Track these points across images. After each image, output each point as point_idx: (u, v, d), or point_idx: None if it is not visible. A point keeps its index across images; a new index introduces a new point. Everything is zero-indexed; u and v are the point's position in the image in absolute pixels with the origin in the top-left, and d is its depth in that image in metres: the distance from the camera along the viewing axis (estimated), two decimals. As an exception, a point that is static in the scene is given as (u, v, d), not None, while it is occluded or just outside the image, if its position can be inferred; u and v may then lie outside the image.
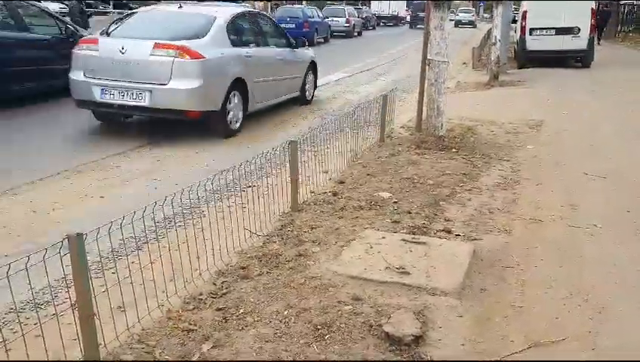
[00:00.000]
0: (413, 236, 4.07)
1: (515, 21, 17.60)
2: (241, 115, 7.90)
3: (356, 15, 35.30)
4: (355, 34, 32.50)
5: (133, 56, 7.06)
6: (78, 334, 2.62)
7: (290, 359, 2.72)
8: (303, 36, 17.49)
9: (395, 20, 52.77)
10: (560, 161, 6.41)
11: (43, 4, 12.04)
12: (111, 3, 20.63)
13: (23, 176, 5.60)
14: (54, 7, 21.39)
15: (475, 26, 49.47)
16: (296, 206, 4.73)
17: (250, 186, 5.17)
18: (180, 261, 3.50)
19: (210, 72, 7.19)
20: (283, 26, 18.90)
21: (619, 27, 31.36)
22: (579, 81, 13.38)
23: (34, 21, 9.74)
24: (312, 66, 10.55)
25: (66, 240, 2.47)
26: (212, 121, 7.44)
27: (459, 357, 2.77)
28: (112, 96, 7.13)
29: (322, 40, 25.76)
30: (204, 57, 7.10)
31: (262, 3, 38.72)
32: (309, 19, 24.88)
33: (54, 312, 2.91)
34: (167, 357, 2.74)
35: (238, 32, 8.24)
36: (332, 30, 29.05)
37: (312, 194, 5.17)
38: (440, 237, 4.14)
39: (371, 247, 3.84)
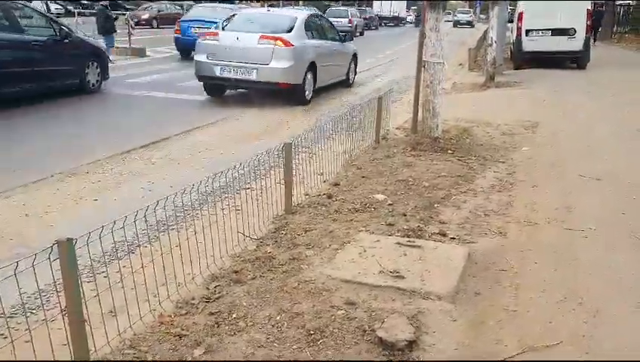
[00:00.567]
0: (407, 239, 4.05)
1: (511, 21, 17.61)
2: (311, 89, 10.61)
3: (359, 16, 37.71)
4: (358, 34, 34.01)
5: (245, 44, 9.94)
6: (68, 339, 2.60)
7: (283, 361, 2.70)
8: None
9: (395, 21, 53.83)
10: (555, 163, 6.40)
11: (40, 5, 12.00)
12: (107, 4, 20.52)
13: (16, 179, 5.58)
14: (53, 7, 21.38)
15: (473, 26, 50.33)
16: (290, 208, 4.71)
17: (244, 188, 5.14)
18: (172, 265, 3.47)
19: (297, 56, 9.96)
20: None
21: (614, 28, 31.39)
22: (575, 82, 13.38)
23: (28, 22, 9.68)
24: (354, 57, 13.19)
25: (56, 245, 2.45)
26: (296, 91, 10.14)
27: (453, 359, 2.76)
28: (228, 72, 9.98)
29: None
30: (293, 45, 9.93)
31: (259, 4, 38.74)
32: None
33: (44, 317, 2.90)
34: (158, 362, 2.72)
35: (310, 28, 11.07)
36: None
37: (307, 196, 5.15)
38: (435, 241, 4.12)
39: (365, 251, 3.82)
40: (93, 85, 10.71)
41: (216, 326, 3.02)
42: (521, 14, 15.94)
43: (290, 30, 10.25)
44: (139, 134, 7.65)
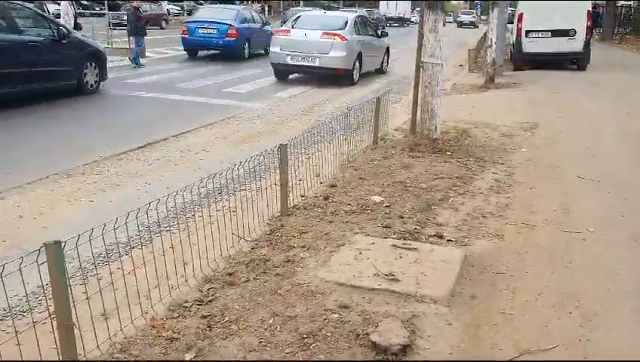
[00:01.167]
0: (403, 242, 4.01)
1: (511, 23, 17.57)
2: (358, 73, 13.56)
3: (367, 16, 38.41)
4: None
5: (311, 38, 12.88)
6: (56, 343, 2.56)
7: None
8: None
9: (400, 21, 55.11)
10: (554, 165, 6.36)
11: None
12: (106, 4, 20.50)
13: (11, 180, 5.54)
14: (54, 8, 21.35)
15: (477, 27, 51.55)
16: (285, 210, 4.67)
17: (240, 190, 5.11)
18: (165, 267, 3.44)
19: (349, 48, 12.88)
20: None
21: (615, 29, 31.34)
22: (574, 84, 13.34)
23: (26, 23, 9.63)
24: (387, 50, 16.21)
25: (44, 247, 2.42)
26: (347, 75, 13.06)
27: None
28: (297, 60, 12.94)
29: None
30: (347, 40, 12.83)
31: (259, 5, 38.81)
32: None
33: (34, 321, 2.86)
34: (148, 367, 2.68)
35: (357, 26, 13.87)
36: None
37: (303, 198, 5.12)
38: (431, 243, 4.09)
39: (361, 253, 3.79)
40: (91, 86, 10.67)
41: (208, 329, 2.98)
42: (521, 15, 15.89)
43: (343, 28, 13.18)
44: (136, 135, 7.61)
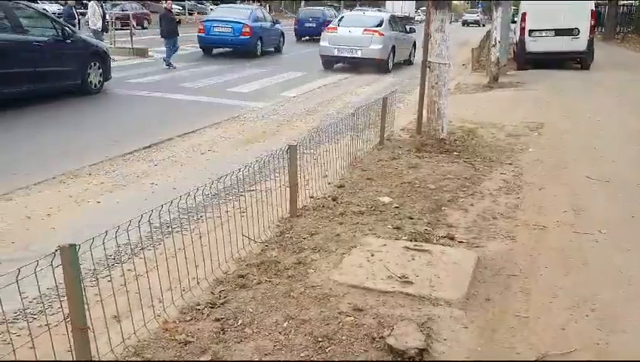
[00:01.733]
0: (415, 243, 3.98)
1: (514, 22, 17.53)
2: (392, 63, 16.25)
3: (397, 16, 41.28)
4: None
5: (355, 34, 15.64)
6: (71, 346, 2.54)
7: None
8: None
9: (405, 20, 56.49)
10: (562, 165, 6.33)
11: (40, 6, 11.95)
12: (108, 4, 20.49)
13: (18, 181, 5.52)
14: (55, 8, 21.31)
15: (483, 25, 53.52)
16: (295, 211, 4.64)
17: (248, 190, 5.08)
18: (177, 269, 3.40)
19: (385, 42, 15.62)
20: (306, 25, 28.95)
21: (617, 28, 31.27)
22: (579, 83, 13.31)
23: (30, 23, 9.62)
24: (414, 44, 18.59)
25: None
26: (383, 64, 15.69)
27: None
28: (342, 52, 15.69)
29: None
30: (383, 35, 15.64)
31: (257, 4, 38.81)
32: (328, 19, 28.29)
33: (46, 323, 2.84)
34: (163, 371, 2.66)
35: (390, 24, 16.66)
36: None
37: (312, 198, 5.09)
38: (443, 245, 4.06)
39: (372, 255, 3.76)
40: (95, 86, 10.65)
41: (222, 332, 2.96)
42: (524, 15, 15.84)
43: (380, 25, 16.01)
44: (141, 135, 7.60)
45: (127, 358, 2.75)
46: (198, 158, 6.72)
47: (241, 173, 4.16)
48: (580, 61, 16.08)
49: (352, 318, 3.06)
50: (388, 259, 3.69)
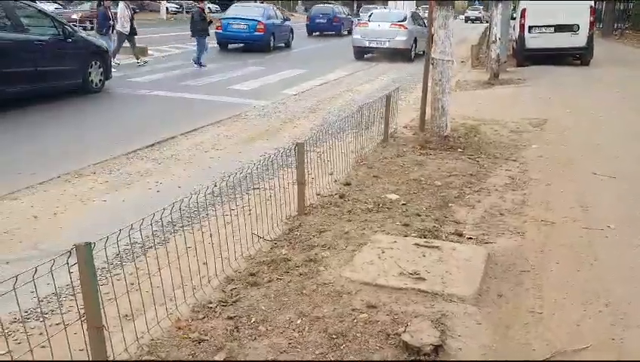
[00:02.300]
0: (425, 240, 3.97)
1: (513, 18, 17.53)
2: (414, 53, 18.69)
3: (418, 12, 43.52)
4: None
5: (383, 28, 18.31)
6: (86, 345, 2.53)
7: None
8: (332, 29, 31.00)
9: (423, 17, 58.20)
10: (567, 161, 6.32)
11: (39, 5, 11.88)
12: (204, 6, 20.54)
13: (23, 180, 5.50)
14: (53, 7, 21.11)
15: (486, 21, 53.67)
16: (303, 209, 4.63)
17: (254, 188, 5.07)
18: (189, 267, 3.40)
19: (409, 34, 18.08)
20: (317, 21, 31.18)
21: (615, 24, 31.30)
22: (579, 79, 13.30)
23: (31, 22, 9.60)
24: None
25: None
26: (407, 53, 18.23)
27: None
28: (372, 43, 18.40)
29: (346, 32, 31.01)
30: (407, 28, 18.21)
31: (256, 2, 38.90)
32: (338, 15, 31.99)
33: (58, 322, 2.83)
34: (178, 369, 2.64)
35: (412, 19, 19.27)
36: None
37: (319, 196, 5.08)
38: (452, 241, 4.05)
39: (383, 252, 3.75)
40: (96, 85, 10.63)
41: (235, 330, 2.95)
42: (523, 11, 15.83)
43: (404, 20, 18.70)
44: (144, 134, 7.58)
45: (141, 357, 2.73)
46: (201, 157, 6.70)
47: (245, 172, 4.15)
48: (579, 57, 16.08)
49: (366, 315, 3.05)
50: (399, 256, 3.68)
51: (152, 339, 2.87)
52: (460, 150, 6.64)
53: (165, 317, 3.04)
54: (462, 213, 4.71)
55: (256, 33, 19.91)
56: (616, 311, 3.14)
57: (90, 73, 10.43)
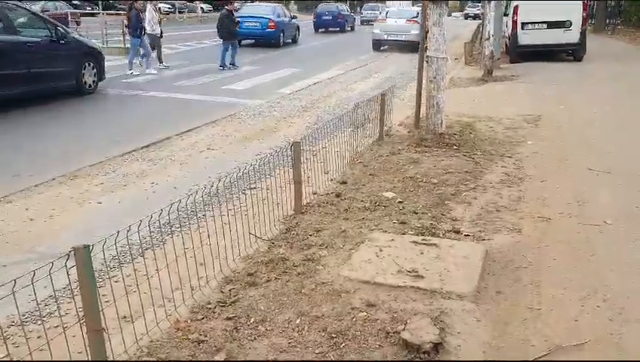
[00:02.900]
0: (423, 238, 3.98)
1: (506, 15, 17.56)
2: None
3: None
4: None
5: (399, 23, 21.38)
6: (85, 347, 2.52)
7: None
8: (337, 25, 33.54)
9: None
10: (562, 157, 6.34)
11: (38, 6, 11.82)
12: (100, 4, 20.31)
13: (17, 183, 5.48)
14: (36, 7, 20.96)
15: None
16: (299, 208, 4.62)
17: (250, 188, 5.06)
18: (187, 268, 3.39)
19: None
20: (323, 18, 33.80)
21: (607, 20, 31.40)
22: (572, 75, 13.35)
23: (23, 23, 9.56)
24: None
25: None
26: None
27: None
28: (389, 36, 21.47)
29: (349, 28, 35.06)
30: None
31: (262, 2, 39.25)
32: (342, 12, 34.76)
33: (57, 325, 2.82)
34: (178, 370, 2.64)
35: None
36: (367, 19, 40.69)
37: (315, 195, 5.07)
38: (450, 238, 4.06)
39: (381, 250, 3.75)
40: (89, 86, 10.59)
41: (235, 331, 2.94)
42: (516, 8, 15.86)
43: (417, 16, 19.33)
44: (139, 135, 7.56)
45: (141, 358, 2.73)
46: (197, 157, 6.69)
47: (242, 171, 4.14)
48: (572, 53, 16.13)
49: (365, 314, 3.06)
50: (397, 254, 3.68)
51: (152, 341, 2.86)
52: (455, 147, 6.64)
53: (164, 318, 3.03)
54: (458, 210, 4.72)
55: (268, 30, 21.88)
56: (614, 306, 3.15)
57: (83, 74, 10.39)
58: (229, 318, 3.06)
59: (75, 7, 31.64)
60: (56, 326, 2.90)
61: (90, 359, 2.51)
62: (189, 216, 4.52)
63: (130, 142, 7.15)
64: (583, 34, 15.56)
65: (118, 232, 2.66)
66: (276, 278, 3.50)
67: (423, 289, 3.27)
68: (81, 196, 5.26)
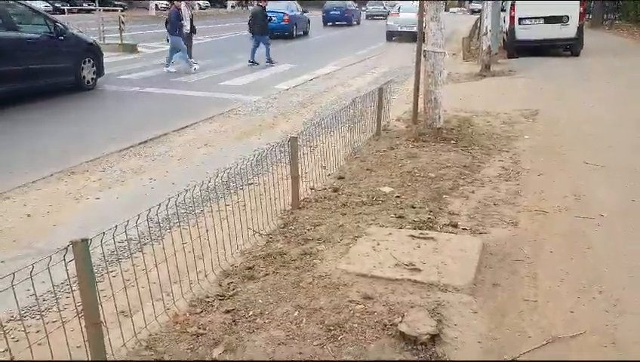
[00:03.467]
0: (420, 231, 3.99)
1: (503, 10, 17.56)
2: None
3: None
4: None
5: (410, 17, 21.61)
6: (84, 341, 2.53)
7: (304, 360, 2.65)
8: (344, 20, 35.70)
9: None
10: (559, 151, 6.36)
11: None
12: (96, 0, 20.26)
13: (15, 179, 5.48)
14: (42, 5, 20.99)
15: None
16: (297, 203, 4.64)
17: (247, 184, 5.07)
18: (185, 262, 3.39)
19: None
20: (331, 12, 35.89)
21: (605, 15, 31.42)
22: (570, 69, 13.36)
23: (22, 20, 9.58)
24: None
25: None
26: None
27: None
28: (403, 28, 23.99)
29: (356, 22, 37.42)
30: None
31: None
32: (349, 7, 36.64)
33: (55, 319, 2.83)
34: (177, 363, 2.65)
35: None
36: (372, 15, 46.54)
37: (312, 190, 5.09)
38: (447, 232, 4.07)
39: (378, 244, 3.77)
40: (88, 82, 10.61)
41: (233, 324, 2.96)
42: (513, 3, 15.86)
43: (414, 10, 18.04)
44: (136, 131, 7.56)
45: (140, 352, 2.74)
46: (194, 153, 6.69)
47: (239, 167, 4.15)
48: (569, 48, 16.13)
49: (363, 306, 3.07)
50: (394, 248, 3.70)
51: (150, 334, 2.88)
52: (453, 142, 6.66)
53: (163, 312, 3.05)
54: (456, 204, 4.73)
55: (283, 23, 23.78)
56: (610, 298, 3.17)
57: (82, 70, 10.43)
58: (227, 311, 3.08)
59: (72, 3, 31.55)
60: (55, 321, 2.91)
61: (88, 352, 2.52)
62: (187, 212, 4.52)
63: (128, 138, 7.15)
64: (580, 29, 15.56)
65: (116, 226, 2.67)
66: (274, 272, 3.52)
67: (420, 282, 3.29)
68: (79, 192, 5.26)
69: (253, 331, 2.89)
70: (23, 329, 2.78)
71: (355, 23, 37.11)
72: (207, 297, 3.24)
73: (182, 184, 5.36)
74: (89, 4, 27.52)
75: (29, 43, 9.25)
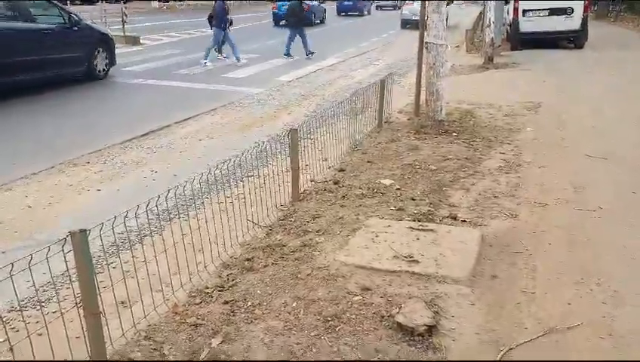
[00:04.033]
0: (419, 223, 4.00)
1: (507, 2, 17.47)
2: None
3: None
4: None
5: (415, 7, 23.38)
6: (83, 331, 2.55)
7: (302, 352, 2.66)
8: (356, 10, 39.19)
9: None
10: (561, 143, 6.35)
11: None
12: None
13: (17, 170, 5.50)
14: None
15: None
16: (297, 195, 4.65)
17: (248, 176, 5.09)
18: (185, 253, 3.41)
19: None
20: (345, 3, 39.44)
21: (610, 7, 31.22)
22: (573, 62, 13.30)
23: (38, 11, 9.75)
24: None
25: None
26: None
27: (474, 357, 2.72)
28: (415, 17, 22.19)
29: (367, 12, 40.37)
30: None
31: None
32: None
33: (55, 310, 2.85)
34: (175, 353, 2.67)
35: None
36: (381, 6, 49.23)
37: (313, 182, 5.09)
38: (447, 224, 4.08)
39: (377, 236, 3.78)
40: (100, 72, 10.84)
41: (232, 314, 2.98)
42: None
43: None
44: (138, 123, 7.58)
45: (138, 342, 2.76)
46: (196, 145, 6.70)
47: (240, 159, 4.16)
48: (573, 40, 16.05)
49: (360, 297, 3.09)
50: (393, 240, 3.71)
51: (150, 325, 2.90)
52: (454, 134, 6.65)
53: (162, 302, 3.07)
54: (456, 196, 4.73)
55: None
56: (608, 290, 3.18)
57: (95, 60, 10.67)
58: (226, 302, 3.10)
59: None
60: (54, 312, 2.93)
61: (87, 342, 2.54)
62: (187, 203, 4.54)
63: (130, 130, 7.16)
64: (584, 21, 15.47)
65: (115, 217, 2.69)
66: (273, 263, 3.53)
67: (418, 274, 3.30)
68: (81, 184, 5.28)
69: (252, 321, 2.90)
70: (22, 319, 2.79)
71: (366, 13, 40.19)
72: (207, 288, 3.25)
73: (184, 176, 5.36)
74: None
75: (45, 34, 9.45)
